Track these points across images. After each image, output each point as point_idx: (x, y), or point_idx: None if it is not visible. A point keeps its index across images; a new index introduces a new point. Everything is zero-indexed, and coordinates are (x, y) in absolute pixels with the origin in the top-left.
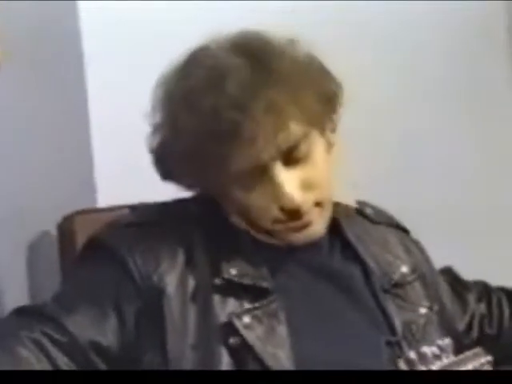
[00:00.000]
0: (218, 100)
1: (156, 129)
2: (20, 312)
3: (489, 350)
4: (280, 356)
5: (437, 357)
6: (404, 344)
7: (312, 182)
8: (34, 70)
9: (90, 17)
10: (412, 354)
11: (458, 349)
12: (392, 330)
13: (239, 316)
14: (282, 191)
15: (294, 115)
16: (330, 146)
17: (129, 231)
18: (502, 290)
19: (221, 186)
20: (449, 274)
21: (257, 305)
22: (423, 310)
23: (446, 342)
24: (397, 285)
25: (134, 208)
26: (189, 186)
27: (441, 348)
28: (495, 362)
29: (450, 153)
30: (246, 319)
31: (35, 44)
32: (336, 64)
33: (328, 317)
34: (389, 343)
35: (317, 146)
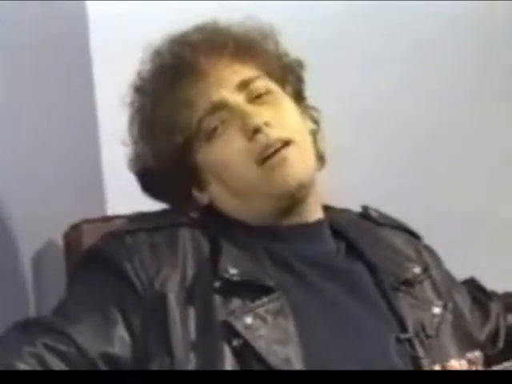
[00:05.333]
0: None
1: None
2: (21, 326)
3: None
4: (288, 354)
5: None
6: (416, 342)
7: (277, 122)
8: (42, 74)
9: (98, 9)
10: (437, 368)
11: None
12: (403, 327)
13: (239, 317)
14: (244, 115)
15: (245, 59)
16: (301, 110)
17: (127, 239)
18: None
19: (197, 152)
20: (471, 284)
21: (259, 303)
22: (437, 310)
23: (476, 354)
24: (407, 283)
25: (131, 217)
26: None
27: (470, 361)
28: None
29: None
30: (248, 319)
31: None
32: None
33: (335, 314)
34: (399, 340)
35: (282, 98)
